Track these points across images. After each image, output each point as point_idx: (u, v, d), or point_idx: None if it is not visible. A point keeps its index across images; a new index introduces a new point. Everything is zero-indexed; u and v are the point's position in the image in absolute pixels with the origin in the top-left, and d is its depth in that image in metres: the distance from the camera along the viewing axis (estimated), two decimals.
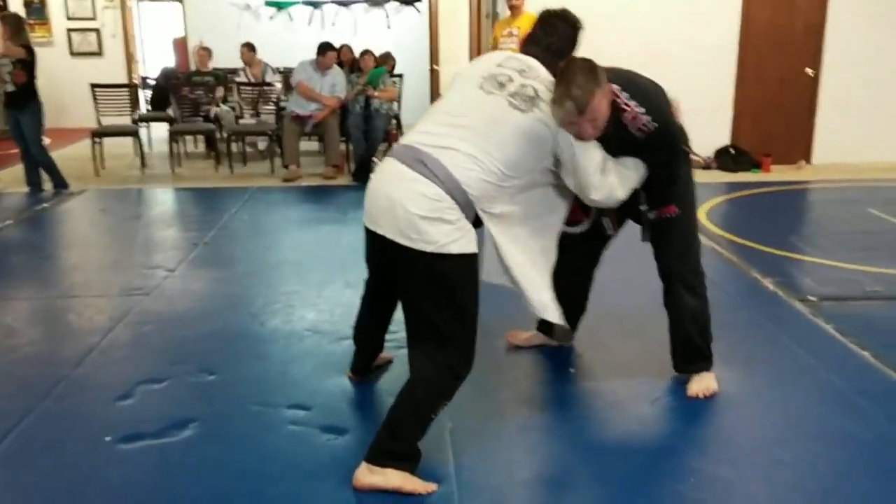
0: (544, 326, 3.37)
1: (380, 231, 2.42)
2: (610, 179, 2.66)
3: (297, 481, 2.50)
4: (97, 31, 11.81)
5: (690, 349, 3.08)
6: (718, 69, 8.17)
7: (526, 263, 2.62)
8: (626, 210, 2.96)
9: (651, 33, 7.95)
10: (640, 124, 2.65)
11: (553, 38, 2.73)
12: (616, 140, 2.67)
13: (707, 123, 8.18)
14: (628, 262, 4.72)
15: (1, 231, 5.84)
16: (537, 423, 2.90)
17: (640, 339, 3.61)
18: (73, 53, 11.76)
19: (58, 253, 5.45)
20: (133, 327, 3.81)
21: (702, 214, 6.05)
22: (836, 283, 4.40)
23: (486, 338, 3.51)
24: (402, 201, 2.35)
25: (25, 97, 6.94)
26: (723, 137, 8.33)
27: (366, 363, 3.18)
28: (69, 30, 11.73)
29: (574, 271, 3.20)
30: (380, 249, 2.47)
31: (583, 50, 2.79)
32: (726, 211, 6.48)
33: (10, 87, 6.90)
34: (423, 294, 2.42)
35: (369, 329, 3.05)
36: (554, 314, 2.69)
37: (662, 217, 2.93)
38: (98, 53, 11.81)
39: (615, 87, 2.64)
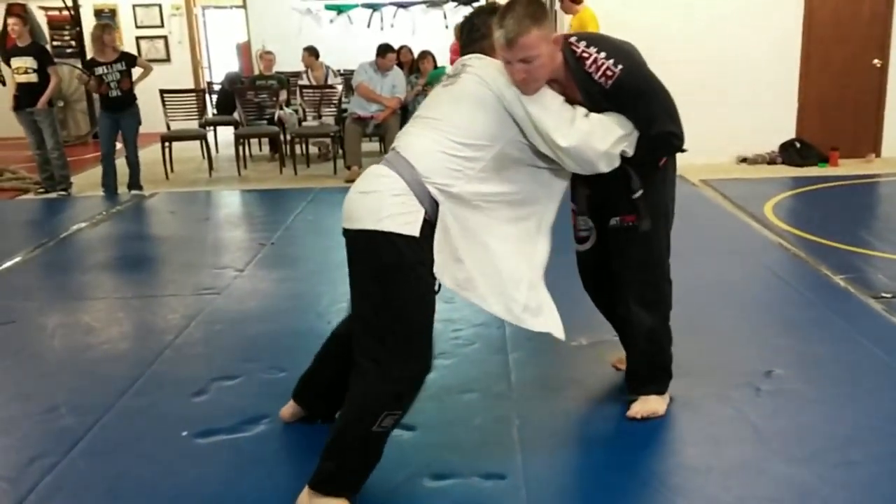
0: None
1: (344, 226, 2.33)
2: (580, 125, 2.38)
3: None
4: (165, 38, 12.15)
5: (644, 372, 2.85)
6: (782, 62, 8.01)
7: (498, 253, 2.35)
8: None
9: (714, 26, 7.84)
10: (605, 69, 2.40)
11: (479, 32, 2.56)
12: (586, 96, 2.44)
13: (771, 117, 8.06)
14: (696, 257, 4.68)
15: (78, 233, 6.06)
16: (606, 421, 2.88)
17: (707, 336, 3.57)
18: None
19: (132, 254, 5.61)
20: (206, 326, 3.92)
21: (768, 210, 5.95)
22: None
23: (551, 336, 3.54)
24: (353, 189, 2.33)
25: (129, 101, 7.40)
26: (788, 131, 8.16)
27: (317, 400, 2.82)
28: (138, 38, 12.08)
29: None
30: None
31: (641, 41, 2.70)
32: (793, 206, 6.36)
33: (116, 93, 7.29)
34: (360, 284, 2.27)
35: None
36: (543, 322, 2.43)
37: (623, 225, 2.68)
38: (166, 60, 12.13)
39: (573, 38, 2.45)
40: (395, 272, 2.20)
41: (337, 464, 2.26)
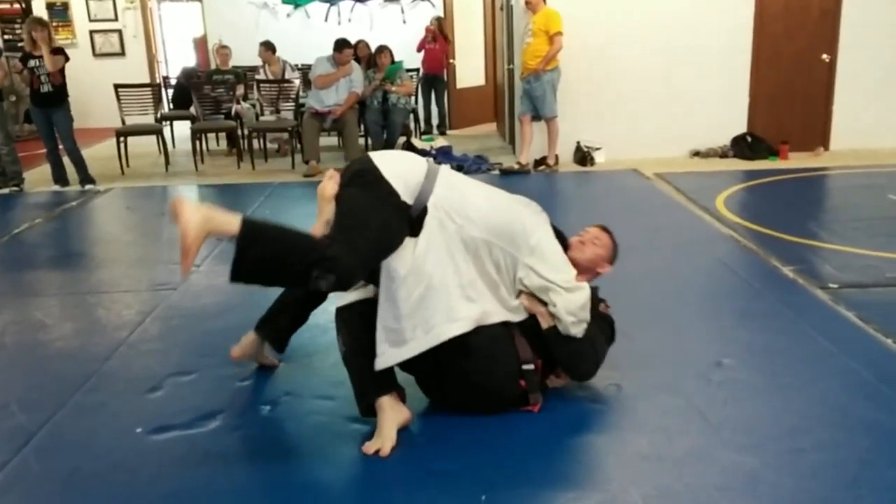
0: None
1: None
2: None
3: (324, 470, 2.55)
4: (119, 32, 11.97)
5: None
6: (734, 57, 8.15)
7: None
8: None
9: (665, 20, 7.95)
10: None
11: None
12: None
13: (723, 111, 8.21)
14: (649, 249, 4.76)
15: (30, 228, 5.97)
16: (554, 411, 2.87)
17: (659, 327, 3.63)
18: (95, 54, 11.92)
19: (86, 249, 5.55)
20: (161, 321, 3.89)
21: (720, 203, 6.06)
22: (857, 270, 4.39)
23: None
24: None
25: (61, 97, 7.23)
26: (739, 125, 8.32)
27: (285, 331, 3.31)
28: (91, 31, 11.89)
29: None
30: None
31: (596, 36, 2.72)
32: (744, 199, 6.47)
33: (47, 88, 7.14)
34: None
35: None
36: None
37: None
38: (120, 54, 11.97)
39: None
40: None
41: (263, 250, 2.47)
